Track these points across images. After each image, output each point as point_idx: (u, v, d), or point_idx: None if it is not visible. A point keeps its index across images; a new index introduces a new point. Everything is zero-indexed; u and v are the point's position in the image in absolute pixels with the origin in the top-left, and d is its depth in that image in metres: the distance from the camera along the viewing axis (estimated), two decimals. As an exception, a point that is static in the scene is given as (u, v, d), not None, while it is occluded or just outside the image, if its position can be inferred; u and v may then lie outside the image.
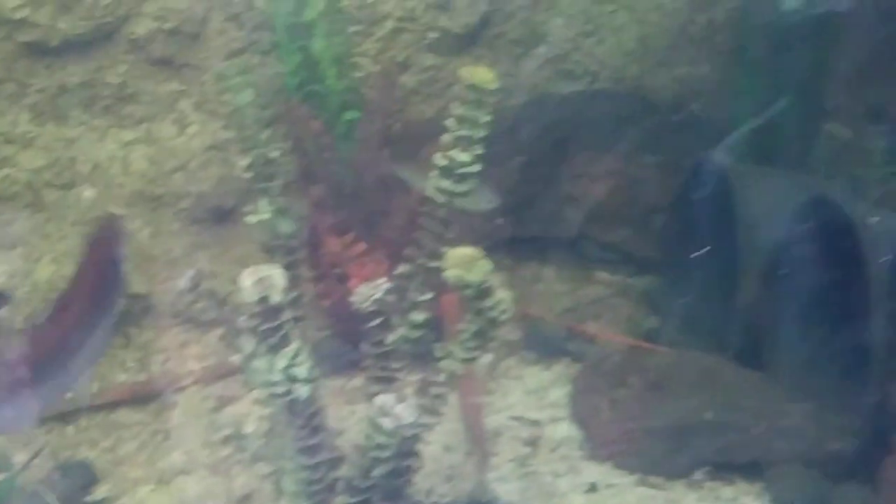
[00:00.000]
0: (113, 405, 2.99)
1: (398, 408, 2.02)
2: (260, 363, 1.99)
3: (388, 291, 2.14)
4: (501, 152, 3.06)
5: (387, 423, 2.01)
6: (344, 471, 2.10)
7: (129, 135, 3.18)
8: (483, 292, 2.14)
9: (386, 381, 2.15)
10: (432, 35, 3.22)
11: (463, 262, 2.06)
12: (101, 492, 2.70)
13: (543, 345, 3.09)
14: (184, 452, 2.79)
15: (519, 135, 3.22)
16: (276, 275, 1.93)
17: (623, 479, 2.57)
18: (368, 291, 2.13)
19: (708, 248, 2.99)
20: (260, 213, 2.30)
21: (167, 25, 3.10)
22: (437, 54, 3.25)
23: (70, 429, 2.94)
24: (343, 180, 3.10)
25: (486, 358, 3.06)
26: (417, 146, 3.00)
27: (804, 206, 2.63)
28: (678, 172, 3.14)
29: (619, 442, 2.61)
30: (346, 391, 2.86)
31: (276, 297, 1.94)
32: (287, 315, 1.98)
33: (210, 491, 2.62)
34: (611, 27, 3.31)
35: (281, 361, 1.99)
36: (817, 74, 3.08)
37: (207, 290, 2.29)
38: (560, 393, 2.90)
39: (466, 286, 2.11)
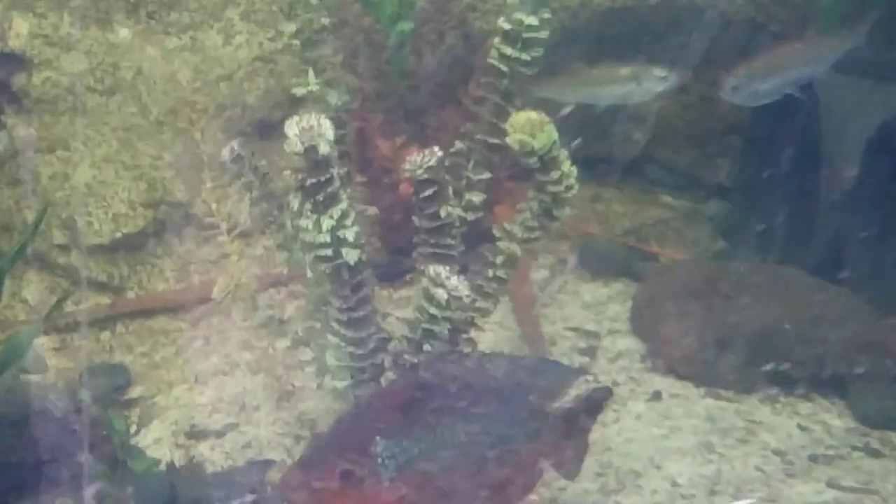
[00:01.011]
0: (150, 313, 2.87)
1: (452, 279, 1.85)
2: (306, 222, 1.84)
3: (441, 161, 1.98)
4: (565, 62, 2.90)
5: (440, 293, 1.84)
6: (392, 347, 1.94)
7: (173, 42, 3.06)
8: (548, 163, 1.97)
9: (439, 258, 1.99)
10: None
11: (527, 126, 1.89)
12: (135, 392, 2.58)
13: (601, 263, 2.92)
14: (222, 356, 2.66)
15: (584, 46, 3.05)
16: (323, 123, 1.78)
17: (689, 391, 2.39)
18: (421, 159, 1.96)
19: (788, 168, 2.80)
20: (309, 83, 2.14)
21: (216, -67, 3.01)
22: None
23: (105, 334, 2.83)
24: (394, 87, 2.96)
25: (541, 273, 2.91)
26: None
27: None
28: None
29: (686, 353, 2.42)
30: (393, 300, 2.72)
31: (325, 148, 1.79)
32: (336, 170, 1.83)
33: (249, 388, 2.48)
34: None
35: (328, 221, 1.83)
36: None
37: (250, 160, 2.13)
38: (619, 309, 2.73)
39: (530, 154, 1.95)
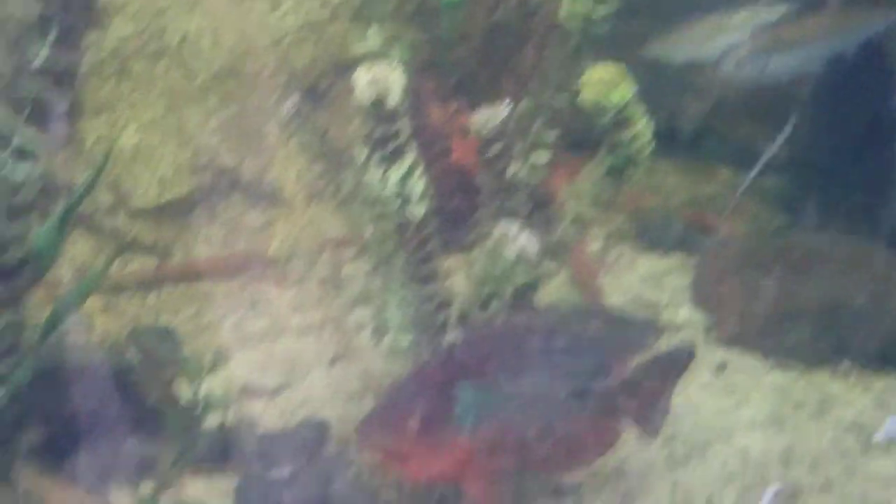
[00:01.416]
0: (196, 277, 2.83)
1: (522, 237, 1.79)
2: (372, 176, 1.78)
3: (510, 117, 1.91)
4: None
5: (509, 251, 1.78)
6: (457, 305, 1.88)
7: (220, 7, 3.01)
8: (622, 121, 1.90)
9: (504, 215, 1.92)
10: None
11: (601, 84, 1.82)
12: (184, 353, 2.53)
13: (658, 235, 2.85)
14: (272, 319, 2.62)
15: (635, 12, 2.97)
16: (394, 73, 1.72)
17: (756, 363, 2.32)
18: (489, 115, 1.90)
19: (853, 140, 2.72)
20: (369, 40, 2.08)
21: None
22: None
23: (152, 297, 2.79)
24: (447, 53, 2.89)
25: (596, 243, 2.85)
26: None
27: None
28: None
29: (752, 325, 2.35)
30: (447, 268, 2.66)
31: (394, 99, 1.73)
32: (404, 122, 1.77)
33: (301, 350, 2.43)
34: None
35: (395, 175, 1.77)
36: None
37: (309, 117, 2.08)
38: (678, 281, 2.65)
39: (603, 112, 1.88)
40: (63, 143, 1.42)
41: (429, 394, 1.48)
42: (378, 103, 1.73)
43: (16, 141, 1.27)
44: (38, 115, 1.28)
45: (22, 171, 1.27)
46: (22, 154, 1.28)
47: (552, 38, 2.05)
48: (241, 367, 2.40)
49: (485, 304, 1.80)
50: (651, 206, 2.94)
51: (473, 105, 2.82)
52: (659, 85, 2.98)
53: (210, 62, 2.95)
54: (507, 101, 1.92)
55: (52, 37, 1.15)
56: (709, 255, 2.62)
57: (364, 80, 1.73)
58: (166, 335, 2.64)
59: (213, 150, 2.93)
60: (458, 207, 2.34)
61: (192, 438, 1.50)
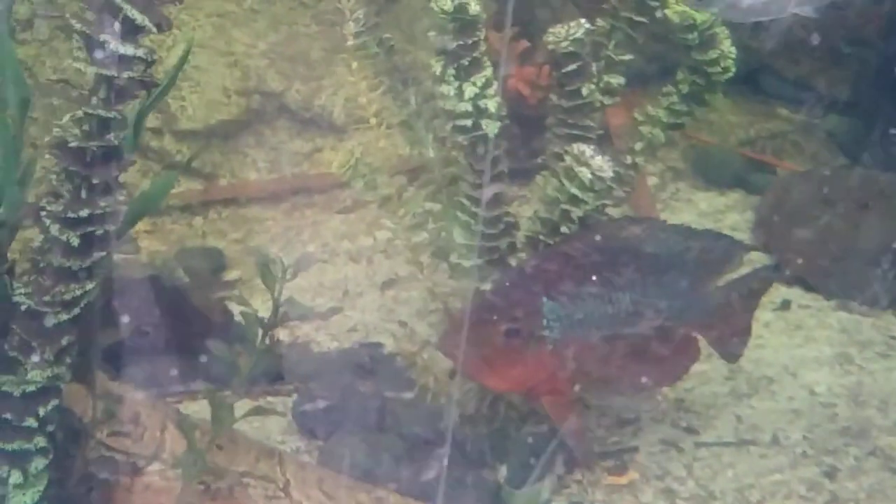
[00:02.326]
0: (243, 201, 2.79)
1: (597, 158, 1.73)
2: (447, 89, 1.72)
3: (587, 34, 1.85)
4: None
5: (584, 172, 1.73)
6: (526, 227, 1.83)
7: (271, -73, 2.94)
8: (707, 40, 1.84)
9: (577, 139, 1.86)
10: None
11: (686, -1, 1.76)
12: (231, 275, 2.50)
13: (716, 172, 2.79)
14: (320, 244, 2.58)
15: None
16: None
17: (819, 302, 2.27)
18: (567, 31, 1.83)
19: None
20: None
21: None
22: None
23: (198, 220, 2.76)
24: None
25: (652, 179, 2.78)
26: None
27: None
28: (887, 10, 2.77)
29: (814, 264, 2.29)
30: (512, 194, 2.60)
31: (475, 7, 1.66)
32: (482, 34, 1.71)
33: (351, 277, 2.39)
34: None
35: (471, 89, 1.71)
36: None
37: (376, 30, 2.01)
38: (737, 218, 2.60)
39: (690, 28, 1.82)
40: (170, 24, 1.36)
41: (513, 305, 1.44)
42: (459, 10, 1.66)
43: (123, 17, 1.22)
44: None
45: (129, 49, 1.22)
46: (130, 32, 1.24)
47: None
48: (292, 292, 2.36)
49: (554, 227, 1.74)
50: (709, 143, 2.87)
51: (534, 33, 2.77)
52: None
53: (258, -14, 2.89)
54: (584, 19, 1.85)
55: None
56: (771, 193, 2.56)
57: (441, -10, 1.66)
58: (214, 255, 2.61)
59: (261, 73, 2.88)
60: (517, 136, 2.28)
61: (265, 350, 1.47)
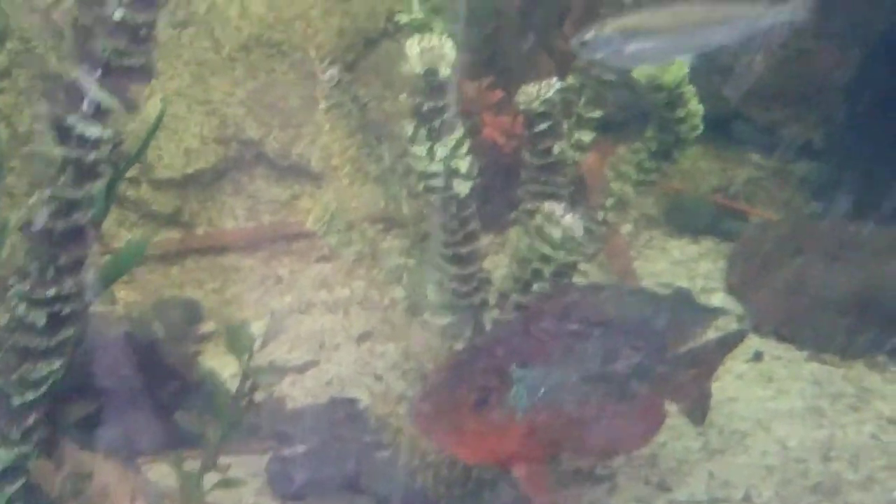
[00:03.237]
0: (220, 250, 2.79)
1: (567, 217, 1.75)
2: (419, 150, 1.74)
3: (558, 94, 1.87)
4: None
5: (555, 231, 1.74)
6: (498, 285, 1.84)
7: (249, -24, 2.96)
8: (675, 99, 1.87)
9: (549, 197, 1.88)
10: None
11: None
12: (208, 327, 2.50)
13: (689, 219, 2.81)
14: (297, 294, 2.58)
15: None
16: (445, 44, 1.68)
17: (791, 353, 2.29)
18: (538, 90, 1.85)
19: (886, 128, 2.67)
20: (414, 9, 2.03)
21: None
22: None
23: (175, 269, 2.76)
24: (480, 27, 2.84)
25: (626, 227, 2.81)
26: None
27: None
28: (857, 43, 2.81)
29: (787, 314, 2.31)
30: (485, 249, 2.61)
31: (445, 71, 1.68)
32: (454, 96, 1.73)
33: (329, 327, 2.40)
34: None
35: (442, 150, 1.73)
36: None
37: (349, 87, 2.03)
38: (711, 266, 2.62)
39: (658, 89, 1.84)
40: (136, 105, 1.37)
41: (482, 374, 1.45)
42: (429, 74, 1.68)
43: (90, 99, 1.23)
44: (114, 72, 1.24)
45: (96, 131, 1.23)
46: (97, 113, 1.24)
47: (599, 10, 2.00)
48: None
49: (526, 285, 1.76)
50: (682, 190, 2.90)
51: (506, 81, 2.80)
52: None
53: (238, 32, 2.90)
54: (555, 78, 1.88)
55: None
56: (744, 242, 2.58)
57: (416, 51, 1.68)
58: (191, 306, 2.61)
59: (239, 121, 2.89)
60: (492, 185, 2.30)
61: (237, 414, 1.46)
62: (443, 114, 1.72)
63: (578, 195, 2.02)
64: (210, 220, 2.87)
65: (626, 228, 2.77)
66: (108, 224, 2.82)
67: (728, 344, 1.72)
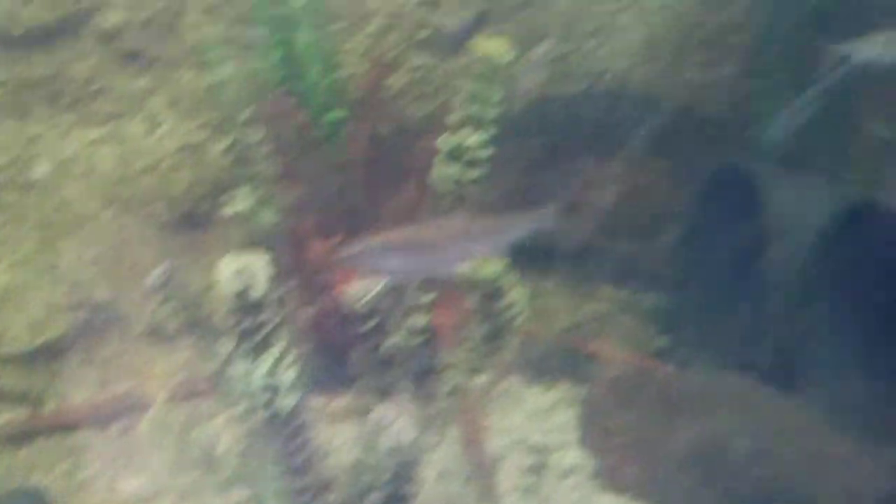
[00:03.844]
0: (71, 426, 2.72)
1: (396, 425, 1.75)
2: (238, 369, 1.73)
3: (384, 291, 1.89)
4: (500, 157, 2.84)
5: (383, 442, 1.74)
6: (333, 497, 1.83)
7: (95, 133, 2.95)
8: (495, 292, 1.90)
9: (381, 394, 1.89)
10: (423, 33, 3.01)
11: (473, 256, 1.82)
12: (57, 517, 2.42)
13: (544, 364, 2.84)
14: (149, 477, 2.51)
15: (519, 139, 3.00)
16: (258, 264, 1.68)
17: (647, 512, 2.31)
18: (362, 290, 1.87)
19: (727, 260, 2.77)
20: (239, 202, 2.04)
21: (139, 17, 2.88)
22: (428, 53, 3.04)
23: (23, 452, 2.67)
24: (328, 180, 2.87)
25: (482, 377, 2.82)
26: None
27: (844, 211, 2.38)
28: (693, 180, 2.91)
29: (639, 471, 2.34)
30: (331, 410, 2.59)
31: (259, 291, 1.68)
32: (270, 312, 1.73)
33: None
34: (614, 27, 3.11)
35: (262, 367, 1.72)
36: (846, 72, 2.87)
37: (179, 289, 2.02)
38: (565, 416, 2.64)
39: (473, 286, 1.88)
40: None
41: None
42: (243, 295, 1.68)
43: None
44: None
45: None
46: None
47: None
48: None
49: (360, 499, 1.75)
50: (535, 333, 2.93)
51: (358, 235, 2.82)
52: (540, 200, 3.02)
53: (86, 191, 2.87)
54: (379, 278, 1.89)
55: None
56: (593, 392, 2.62)
57: (229, 271, 1.68)
58: (36, 497, 2.52)
59: (88, 285, 2.84)
60: (340, 343, 2.30)
61: None
62: (260, 332, 1.71)
63: (431, 351, 2.03)
64: (60, 394, 2.79)
65: (482, 379, 2.79)
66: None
67: None
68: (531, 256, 3.05)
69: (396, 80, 3.00)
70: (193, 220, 2.97)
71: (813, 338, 2.44)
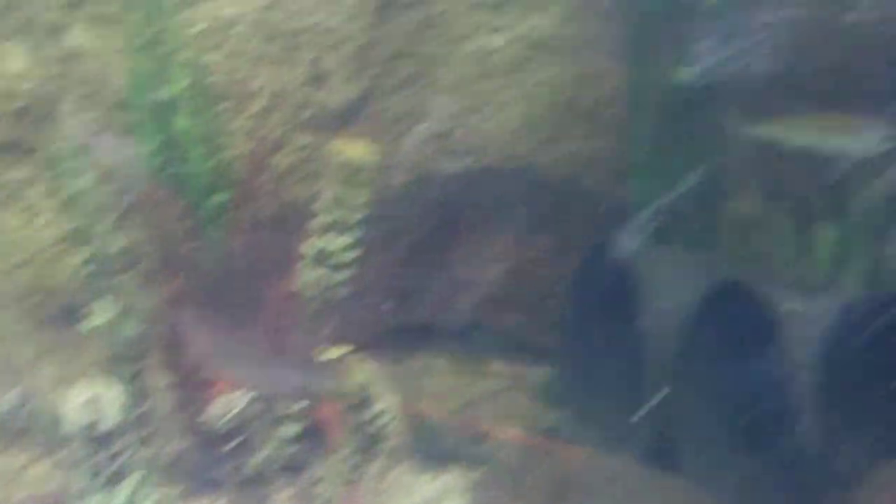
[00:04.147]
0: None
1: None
2: (93, 501, 1.66)
3: (252, 402, 1.85)
4: (383, 235, 2.82)
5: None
6: None
7: (-34, 227, 2.86)
8: (363, 401, 1.87)
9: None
10: (307, 112, 2.99)
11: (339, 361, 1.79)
12: None
13: (434, 448, 2.81)
14: None
15: (402, 216, 2.99)
16: (109, 394, 1.62)
17: None
18: (227, 405, 1.82)
19: (607, 335, 2.79)
20: (98, 316, 1.98)
21: (14, 105, 2.81)
22: (312, 132, 3.02)
23: None
24: (208, 270, 2.81)
25: (375, 465, 2.78)
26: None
27: (715, 290, 2.42)
28: (574, 254, 2.94)
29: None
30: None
31: (109, 423, 1.62)
32: (125, 441, 1.67)
33: None
34: (496, 103, 3.13)
35: (116, 500, 1.66)
36: (719, 148, 2.94)
37: (41, 409, 1.94)
38: (455, 506, 2.62)
39: (342, 396, 1.85)
40: None
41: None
42: (92, 428, 1.62)
43: None
44: None
45: None
46: None
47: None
48: None
49: None
50: (426, 414, 2.91)
51: (241, 330, 2.76)
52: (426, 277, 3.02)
53: (-42, 285, 2.78)
54: (246, 390, 1.85)
55: None
56: (483, 480, 2.60)
57: (77, 402, 1.62)
58: None
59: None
60: (218, 442, 2.23)
61: None
62: (113, 463, 1.65)
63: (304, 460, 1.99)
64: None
65: (375, 467, 2.75)
66: None
67: None
68: (420, 334, 3.05)
69: (281, 161, 2.97)
70: (75, 314, 2.89)
71: (687, 416, 2.47)
